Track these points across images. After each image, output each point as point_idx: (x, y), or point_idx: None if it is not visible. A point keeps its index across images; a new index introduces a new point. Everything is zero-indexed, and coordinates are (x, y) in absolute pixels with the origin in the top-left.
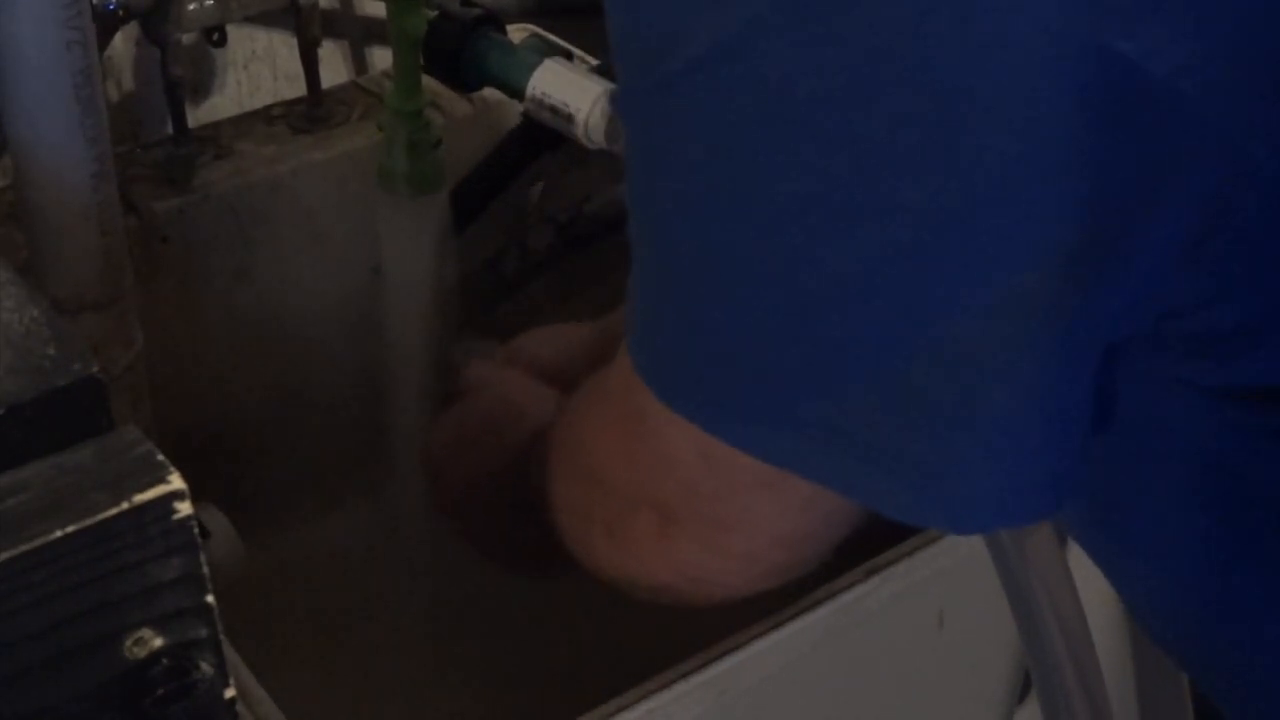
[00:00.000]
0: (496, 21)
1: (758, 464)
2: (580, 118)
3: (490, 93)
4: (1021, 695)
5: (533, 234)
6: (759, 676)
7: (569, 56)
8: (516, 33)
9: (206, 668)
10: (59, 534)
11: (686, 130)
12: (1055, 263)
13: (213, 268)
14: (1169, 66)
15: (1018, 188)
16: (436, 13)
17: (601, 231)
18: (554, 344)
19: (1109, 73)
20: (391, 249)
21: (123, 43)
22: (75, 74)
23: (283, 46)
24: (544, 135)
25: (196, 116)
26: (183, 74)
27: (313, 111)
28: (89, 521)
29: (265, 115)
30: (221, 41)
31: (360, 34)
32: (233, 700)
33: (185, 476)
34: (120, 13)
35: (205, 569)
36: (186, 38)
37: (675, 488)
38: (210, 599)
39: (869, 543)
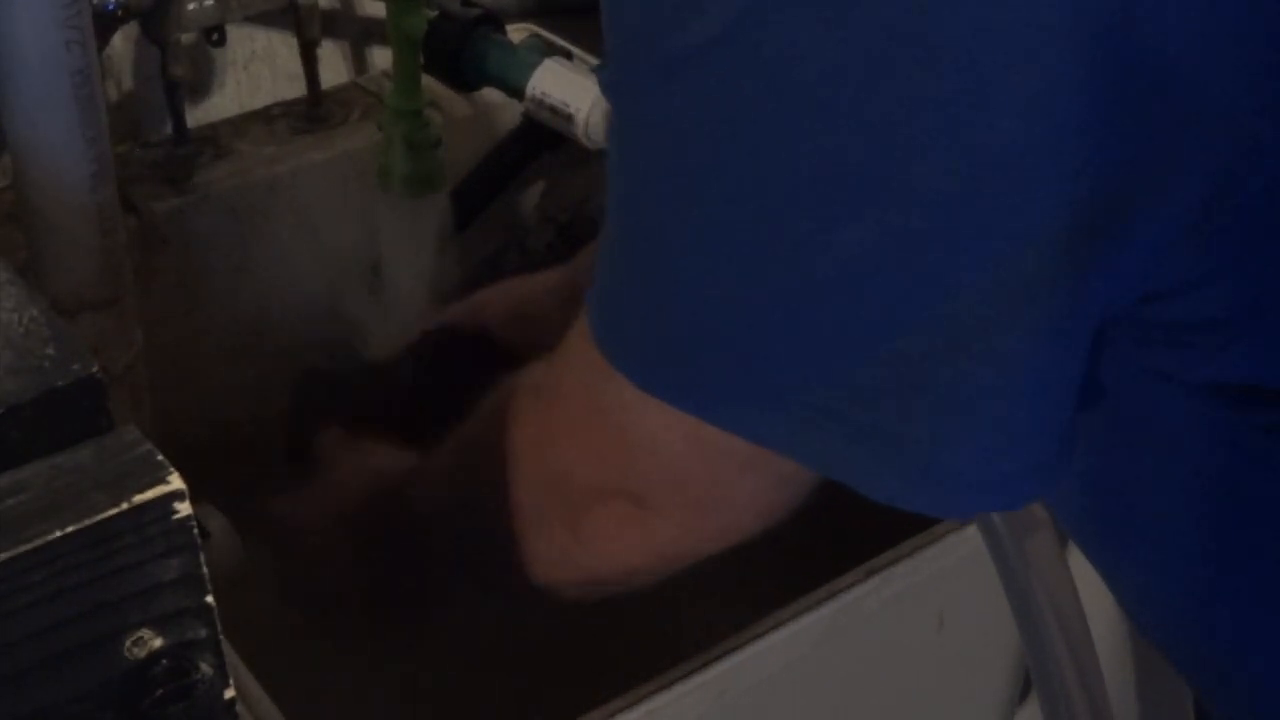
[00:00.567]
0: (496, 21)
1: (743, 445)
2: (580, 117)
3: (490, 93)
4: (1021, 695)
5: (533, 234)
6: (759, 676)
7: (569, 56)
8: (516, 33)
9: (206, 668)
10: (59, 534)
11: (690, 112)
12: (1057, 241)
13: (212, 268)
14: (1178, 44)
15: (1025, 167)
16: (436, 13)
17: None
18: (513, 295)
19: (1118, 51)
20: (391, 249)
21: (123, 43)
22: (75, 74)
23: (283, 46)
24: (544, 135)
25: (196, 116)
26: (183, 74)
27: (312, 111)
28: (89, 521)
29: (265, 115)
30: (221, 41)
31: (360, 34)
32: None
33: (185, 476)
34: (120, 13)
35: (205, 569)
36: (186, 38)
37: (656, 474)
38: (210, 599)
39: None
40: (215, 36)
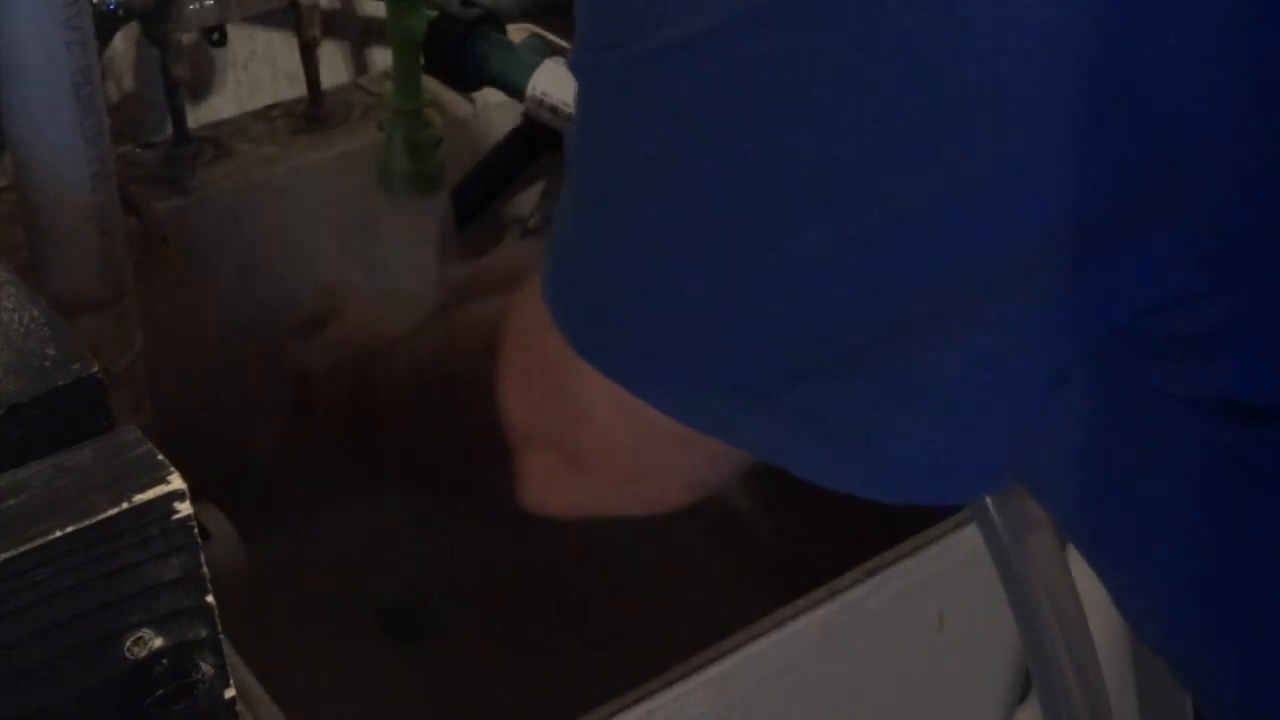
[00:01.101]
0: (497, 21)
1: (676, 423)
2: None
3: (490, 93)
4: (1021, 695)
5: (533, 234)
6: (759, 676)
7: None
8: (516, 33)
9: (206, 668)
10: (59, 534)
11: (669, 103)
12: (1036, 255)
13: (213, 268)
14: (1172, 68)
15: (1007, 187)
16: (437, 13)
17: None
18: (513, 261)
19: (1111, 74)
20: (391, 249)
21: (123, 43)
22: (75, 74)
23: (283, 46)
24: (544, 135)
25: (196, 116)
26: (183, 74)
27: (313, 111)
28: (89, 521)
29: (265, 115)
30: (221, 41)
31: (360, 34)
32: (233, 700)
33: (185, 476)
34: (120, 13)
35: (205, 569)
36: (186, 38)
37: (588, 438)
38: (210, 599)
39: (869, 543)
40: (215, 36)
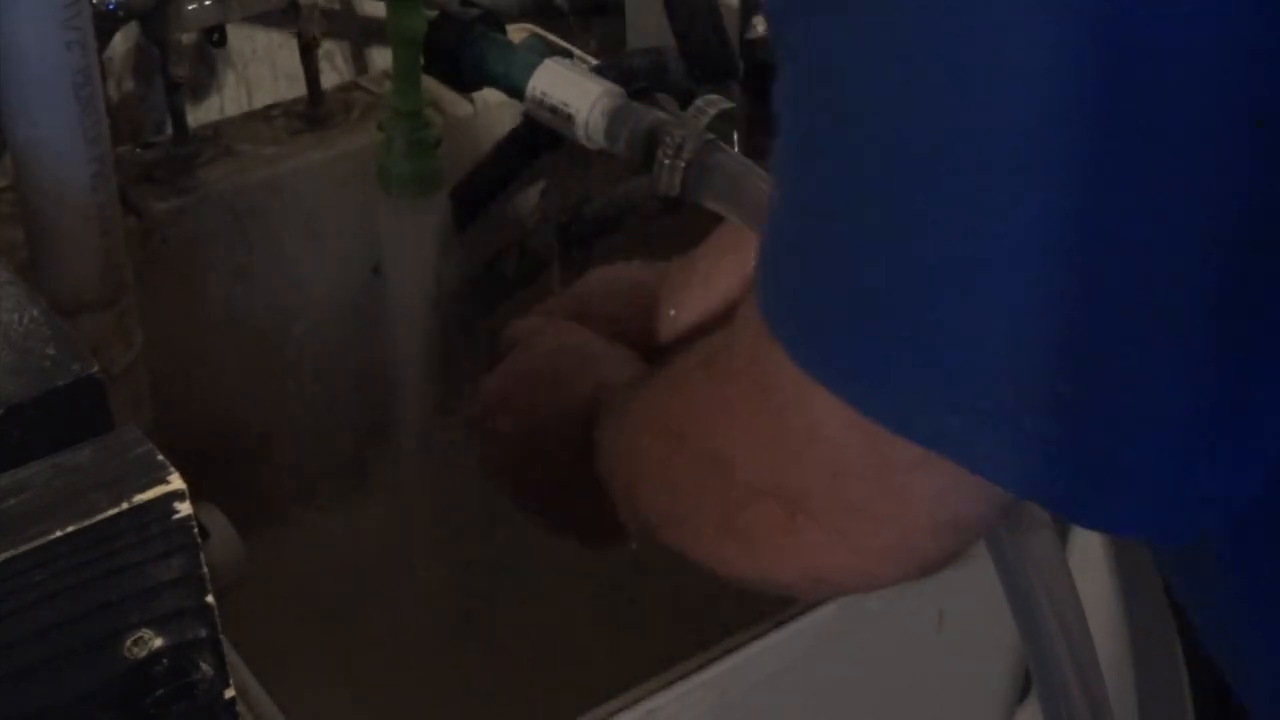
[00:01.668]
0: (496, 21)
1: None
2: (580, 118)
3: (490, 93)
4: (1021, 695)
5: (533, 234)
6: (759, 676)
7: (569, 56)
8: (516, 33)
9: (206, 668)
10: (59, 534)
11: (861, 64)
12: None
13: (212, 267)
14: (1174, 73)
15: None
16: (436, 13)
17: (601, 231)
18: (619, 295)
19: (1113, 80)
20: (391, 249)
21: (123, 43)
22: (75, 74)
23: (283, 46)
24: (544, 135)
25: (196, 116)
26: (183, 74)
27: (313, 111)
28: (89, 521)
29: (265, 115)
30: (221, 41)
31: (360, 34)
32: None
33: (185, 476)
34: (120, 13)
35: (205, 569)
36: (186, 38)
37: (814, 467)
38: (210, 599)
39: None
40: (215, 36)
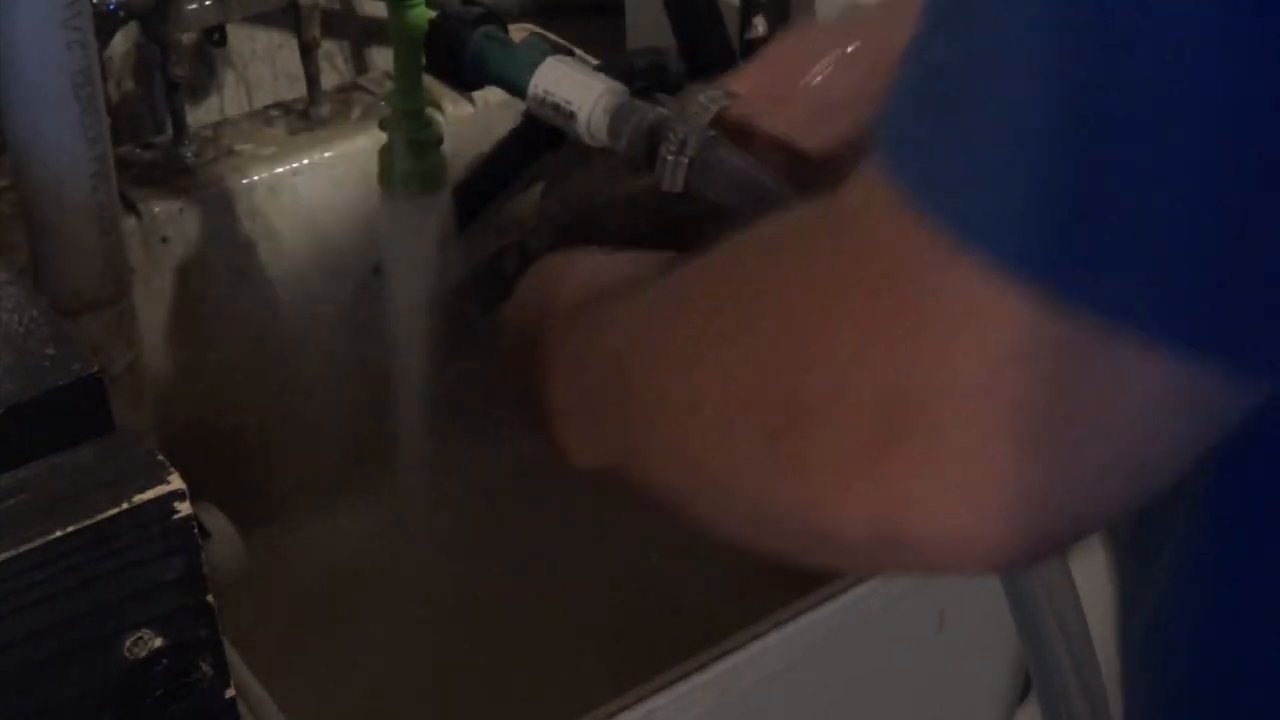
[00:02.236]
0: (497, 21)
1: (1092, 334)
2: (582, 115)
3: (490, 93)
4: (1022, 695)
5: (533, 234)
6: (759, 676)
7: (570, 55)
8: (517, 33)
9: (206, 668)
10: (59, 534)
11: None
12: None
13: (213, 267)
14: None
15: None
16: (437, 13)
17: (602, 231)
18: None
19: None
20: (391, 249)
21: (123, 43)
22: (75, 74)
23: (283, 46)
24: (544, 135)
25: (196, 116)
26: (183, 74)
27: (313, 111)
28: (89, 521)
29: (265, 115)
30: (221, 41)
31: (360, 34)
32: (233, 700)
33: (185, 476)
34: (120, 13)
35: (205, 569)
36: (186, 38)
37: (956, 361)
38: (210, 599)
39: None
40: (215, 36)
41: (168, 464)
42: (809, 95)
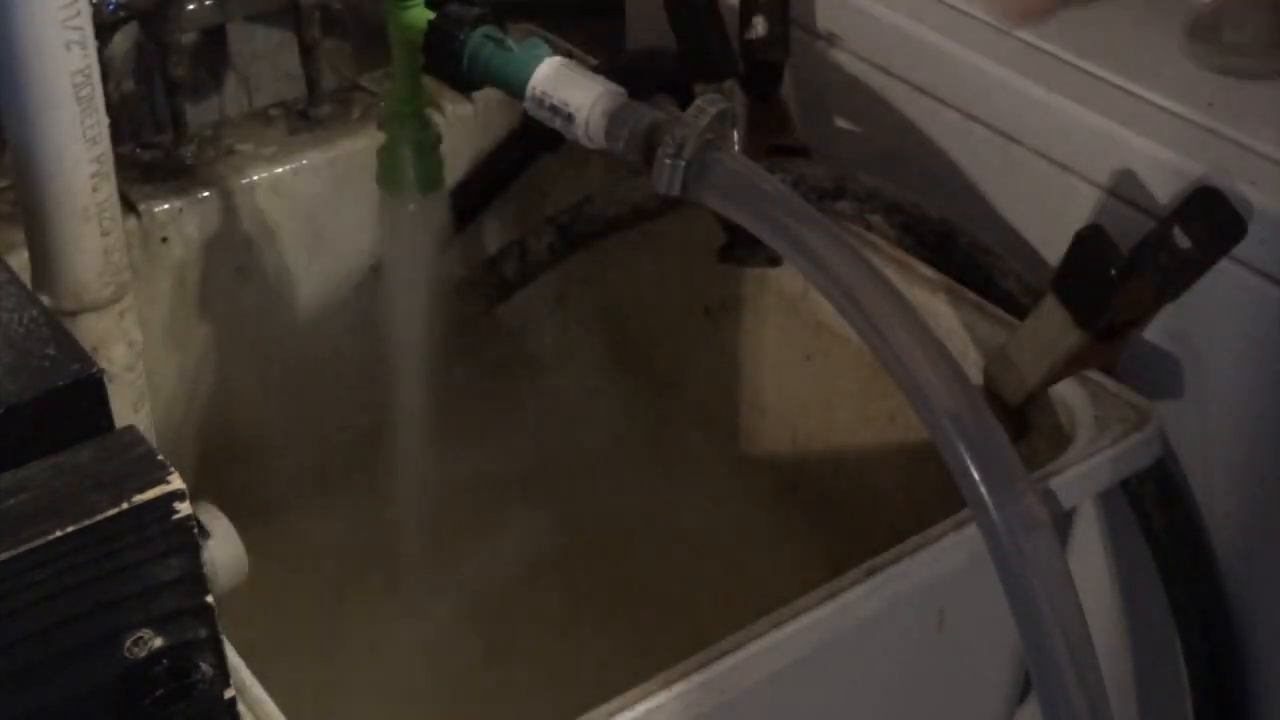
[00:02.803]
0: (497, 21)
1: None
2: (580, 117)
3: (490, 93)
4: (1022, 695)
5: (533, 234)
6: (759, 676)
7: (569, 57)
8: (516, 33)
9: (206, 668)
10: (59, 534)
11: None
12: None
13: (213, 267)
14: None
15: None
16: (437, 13)
17: (601, 231)
18: None
19: None
20: (391, 249)
21: (123, 43)
22: (75, 74)
23: (283, 46)
24: (544, 135)
25: (196, 116)
26: (183, 74)
27: (313, 111)
28: (89, 521)
29: (265, 115)
30: (221, 41)
31: (360, 34)
32: (233, 700)
33: (185, 476)
34: (120, 13)
35: (205, 569)
36: (186, 38)
37: None
38: (210, 599)
39: (869, 543)
40: (215, 36)
41: (168, 464)
42: None
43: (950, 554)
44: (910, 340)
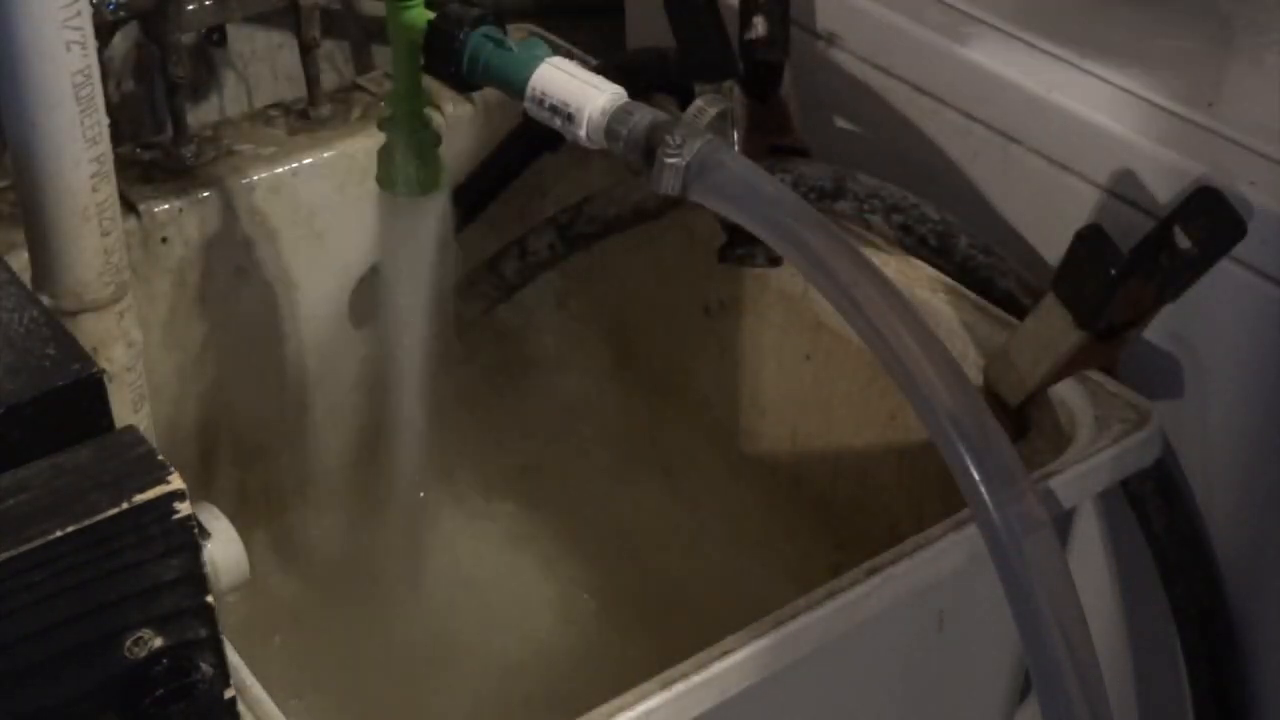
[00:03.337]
0: (497, 21)
1: None
2: (580, 118)
3: (490, 93)
4: (1022, 695)
5: (533, 234)
6: (759, 676)
7: (569, 57)
8: (516, 33)
9: (206, 668)
10: (59, 534)
11: None
12: None
13: (213, 267)
14: None
15: None
16: (436, 13)
17: (601, 231)
18: None
19: None
20: (391, 249)
21: (123, 43)
22: (75, 74)
23: (283, 46)
24: (544, 135)
25: (196, 116)
26: (183, 74)
27: (313, 111)
28: (89, 521)
29: (265, 115)
30: (221, 41)
31: (360, 34)
32: (233, 700)
33: (185, 476)
34: (120, 13)
35: (205, 569)
36: (186, 38)
37: None
38: (210, 599)
39: (869, 543)
40: (215, 36)
41: (168, 464)
42: None
43: (950, 554)
44: (910, 340)
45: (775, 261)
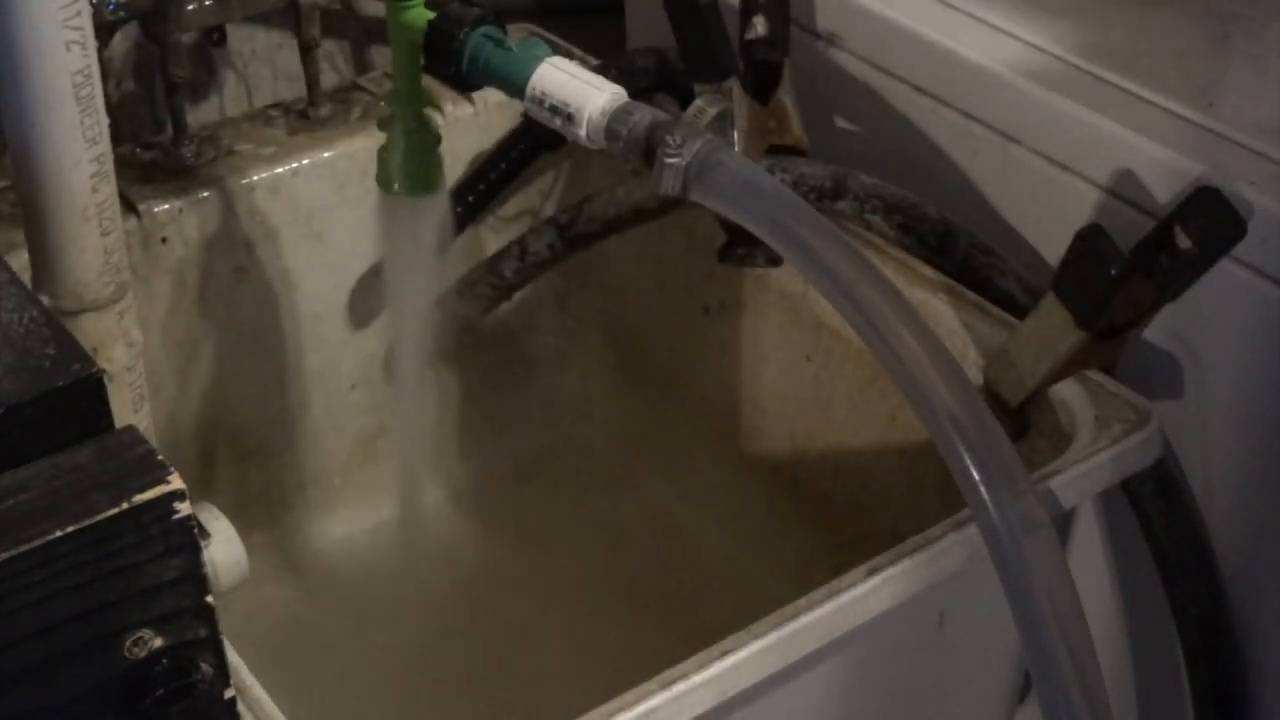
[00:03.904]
0: (497, 21)
1: None
2: (580, 118)
3: (490, 93)
4: (1022, 695)
5: (533, 234)
6: (759, 676)
7: (569, 57)
8: (516, 33)
9: (206, 668)
10: (59, 534)
11: None
12: None
13: (212, 267)
14: None
15: None
16: (436, 13)
17: (601, 231)
18: None
19: None
20: (391, 249)
21: (123, 43)
22: (75, 74)
23: (283, 46)
24: (544, 135)
25: (196, 116)
26: (182, 74)
27: (313, 111)
28: (89, 521)
29: (265, 115)
30: (221, 41)
31: (360, 34)
32: (233, 700)
33: (185, 476)
34: (120, 13)
35: (205, 569)
36: (186, 38)
37: None
38: (210, 599)
39: (869, 543)
40: (215, 36)
41: (167, 464)
42: None
43: (950, 554)
44: (910, 340)
45: (775, 261)
